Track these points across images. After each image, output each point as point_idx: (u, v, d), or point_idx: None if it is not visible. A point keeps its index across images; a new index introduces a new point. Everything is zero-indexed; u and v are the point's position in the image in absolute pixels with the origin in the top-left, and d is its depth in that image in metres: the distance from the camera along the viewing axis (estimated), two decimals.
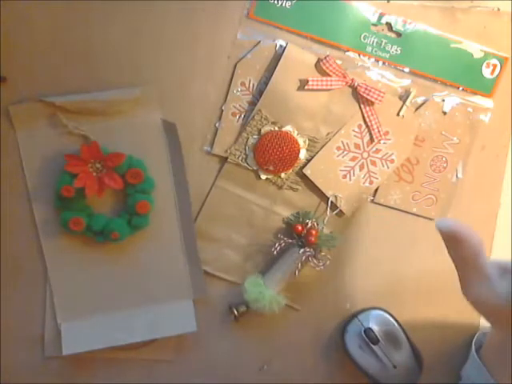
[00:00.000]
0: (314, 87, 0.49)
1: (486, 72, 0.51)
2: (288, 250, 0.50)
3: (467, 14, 0.50)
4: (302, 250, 0.49)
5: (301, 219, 0.50)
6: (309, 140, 0.51)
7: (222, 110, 0.50)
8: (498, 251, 0.54)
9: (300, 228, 0.50)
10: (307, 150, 0.51)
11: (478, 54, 0.51)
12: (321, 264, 0.49)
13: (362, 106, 0.50)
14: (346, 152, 0.51)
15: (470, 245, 0.37)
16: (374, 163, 0.51)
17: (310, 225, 0.50)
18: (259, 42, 0.49)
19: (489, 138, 0.53)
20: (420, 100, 0.51)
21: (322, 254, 0.50)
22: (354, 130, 0.51)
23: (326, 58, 0.49)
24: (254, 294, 0.49)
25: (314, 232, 0.49)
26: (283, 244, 0.50)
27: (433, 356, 0.53)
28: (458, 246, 0.38)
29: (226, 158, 0.50)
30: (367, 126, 0.51)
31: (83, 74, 0.49)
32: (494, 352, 0.46)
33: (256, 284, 0.49)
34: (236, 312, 0.50)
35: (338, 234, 0.50)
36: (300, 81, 0.49)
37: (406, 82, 0.51)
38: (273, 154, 0.50)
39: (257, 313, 0.50)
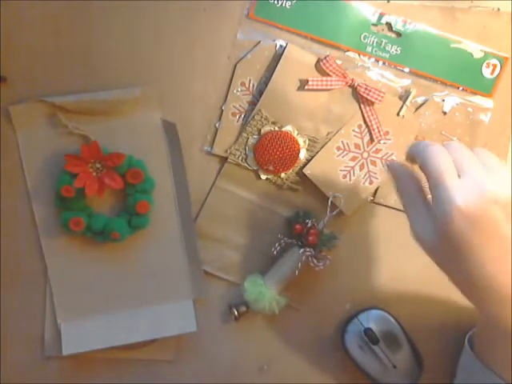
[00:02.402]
0: (314, 87, 0.49)
1: (486, 72, 0.51)
2: (288, 250, 0.50)
3: (467, 13, 0.50)
4: (301, 250, 0.49)
5: (301, 219, 0.50)
6: (309, 140, 0.51)
7: (222, 110, 0.50)
8: None
9: (300, 228, 0.50)
10: (307, 149, 0.51)
11: (477, 54, 0.51)
12: (321, 264, 0.49)
13: (362, 106, 0.50)
14: (346, 152, 0.51)
15: (413, 182, 0.38)
16: (374, 163, 0.51)
17: (309, 224, 0.50)
18: (259, 42, 0.49)
19: (489, 138, 0.53)
20: (420, 100, 0.51)
21: (322, 254, 0.50)
22: (354, 130, 0.51)
23: (325, 58, 0.49)
24: (254, 294, 0.49)
25: (313, 232, 0.49)
26: (283, 244, 0.50)
27: (433, 356, 0.53)
28: (403, 182, 0.39)
29: (226, 158, 0.50)
30: (367, 126, 0.51)
31: (83, 74, 0.49)
32: (480, 338, 0.46)
33: (256, 284, 0.49)
34: (236, 312, 0.50)
35: (338, 234, 0.50)
36: (300, 81, 0.49)
37: (406, 82, 0.51)
38: (273, 154, 0.50)
39: (257, 313, 0.50)
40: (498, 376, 0.43)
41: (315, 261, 0.49)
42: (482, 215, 0.34)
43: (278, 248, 0.50)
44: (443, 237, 0.36)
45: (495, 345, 0.44)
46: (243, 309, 0.50)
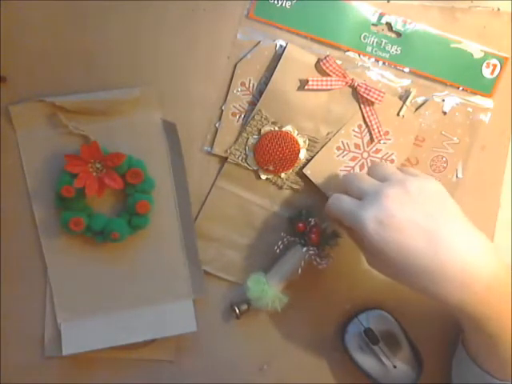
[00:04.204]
0: (314, 87, 0.49)
1: (486, 72, 0.51)
2: (290, 249, 0.50)
3: (467, 13, 0.50)
4: (305, 249, 0.49)
5: (303, 217, 0.50)
6: (309, 140, 0.51)
7: (222, 110, 0.50)
8: (498, 251, 0.54)
9: (302, 226, 0.50)
10: (307, 150, 0.51)
11: (477, 54, 0.51)
12: (323, 262, 0.49)
13: (362, 105, 0.50)
14: (346, 152, 0.51)
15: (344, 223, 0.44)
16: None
17: (312, 223, 0.50)
18: (259, 42, 0.49)
19: (489, 138, 0.53)
20: (420, 100, 0.51)
21: (325, 252, 0.50)
22: (354, 130, 0.51)
23: (325, 58, 0.49)
24: (256, 292, 0.49)
25: (316, 230, 0.49)
26: (286, 242, 0.50)
27: (433, 356, 0.53)
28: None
29: (226, 158, 0.50)
30: (367, 126, 0.51)
31: (83, 74, 0.49)
32: (469, 338, 0.47)
33: (259, 282, 0.49)
34: (238, 310, 0.50)
35: (338, 234, 0.50)
36: (300, 81, 0.49)
37: (406, 82, 0.51)
38: (273, 154, 0.50)
39: (258, 311, 0.50)
40: (481, 369, 0.45)
41: (318, 259, 0.49)
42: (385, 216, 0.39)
43: (281, 246, 0.50)
44: (374, 247, 0.40)
45: (470, 334, 0.46)
46: (245, 307, 0.50)
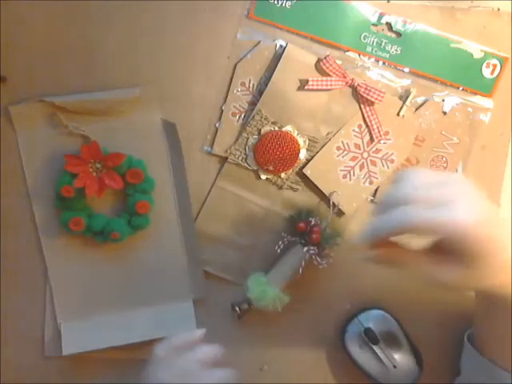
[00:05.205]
0: (314, 87, 0.49)
1: (486, 72, 0.51)
2: (291, 249, 0.50)
3: (467, 14, 0.50)
4: (305, 249, 0.49)
5: (303, 217, 0.50)
6: (309, 140, 0.51)
7: (222, 110, 0.50)
8: None
9: (303, 226, 0.50)
10: (307, 150, 0.51)
11: (477, 54, 0.51)
12: (324, 262, 0.49)
13: (362, 106, 0.50)
14: (346, 152, 0.51)
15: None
16: (374, 163, 0.51)
17: (313, 223, 0.50)
18: (259, 42, 0.49)
19: (489, 138, 0.53)
20: (420, 100, 0.51)
21: (325, 252, 0.50)
22: (354, 130, 0.51)
23: (325, 58, 0.49)
24: (257, 292, 0.49)
25: (317, 230, 0.49)
26: (286, 242, 0.50)
27: (433, 356, 0.53)
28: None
29: (226, 158, 0.50)
30: (367, 126, 0.51)
31: (83, 74, 0.49)
32: (481, 333, 0.47)
33: (259, 282, 0.49)
34: (239, 310, 0.50)
35: (339, 234, 0.50)
36: (300, 81, 0.49)
37: (406, 82, 0.51)
38: (273, 154, 0.50)
39: (258, 311, 0.50)
40: (498, 367, 0.44)
41: (318, 259, 0.49)
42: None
43: (282, 246, 0.50)
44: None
45: (494, 329, 0.45)
46: (245, 307, 0.50)
